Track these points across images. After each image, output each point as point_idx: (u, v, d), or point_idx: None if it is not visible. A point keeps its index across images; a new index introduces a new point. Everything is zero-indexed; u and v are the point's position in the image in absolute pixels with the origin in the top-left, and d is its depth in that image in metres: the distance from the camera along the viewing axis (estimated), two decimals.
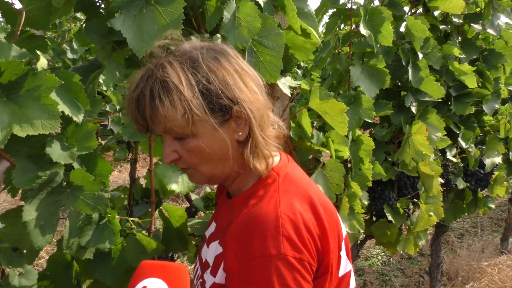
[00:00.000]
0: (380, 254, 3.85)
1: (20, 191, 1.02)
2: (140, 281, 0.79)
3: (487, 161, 2.35)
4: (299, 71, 5.11)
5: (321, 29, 3.39)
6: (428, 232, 2.37)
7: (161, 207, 1.34)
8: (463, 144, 2.21)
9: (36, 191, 0.87)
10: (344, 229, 0.97)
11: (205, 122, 0.80)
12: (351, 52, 1.74)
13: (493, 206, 2.59)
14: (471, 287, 3.08)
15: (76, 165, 0.97)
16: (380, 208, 1.93)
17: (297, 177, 0.91)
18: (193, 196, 1.57)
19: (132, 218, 1.25)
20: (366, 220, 2.00)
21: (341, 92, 1.88)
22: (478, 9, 2.19)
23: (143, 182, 1.41)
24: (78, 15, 3.53)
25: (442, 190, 2.04)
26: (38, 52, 0.95)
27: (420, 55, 1.85)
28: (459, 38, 2.21)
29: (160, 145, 1.32)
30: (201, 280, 0.91)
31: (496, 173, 2.46)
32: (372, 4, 1.99)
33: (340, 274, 0.90)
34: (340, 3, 1.84)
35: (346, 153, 1.58)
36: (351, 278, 0.96)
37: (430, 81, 1.83)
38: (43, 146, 0.92)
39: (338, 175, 1.51)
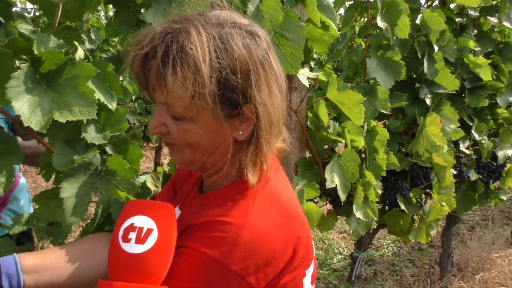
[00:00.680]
0: (391, 245, 3.89)
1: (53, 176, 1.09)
2: (127, 218, 0.78)
3: (500, 153, 2.37)
4: (312, 63, 5.12)
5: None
6: (439, 223, 2.40)
7: None
8: (476, 136, 2.24)
9: (75, 171, 0.92)
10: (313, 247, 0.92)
11: (210, 111, 0.72)
12: (367, 44, 1.77)
13: (504, 198, 2.61)
14: (481, 278, 3.11)
15: (109, 150, 1.02)
16: (393, 197, 1.96)
17: (278, 188, 0.85)
18: None
19: None
20: (379, 209, 2.04)
21: (357, 83, 1.91)
22: (494, 2, 2.19)
23: (166, 168, 1.47)
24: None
25: (454, 181, 2.07)
26: (75, 42, 1.01)
27: (436, 48, 1.87)
28: (475, 30, 2.22)
29: None
30: None
31: (508, 165, 2.48)
32: None
33: None
34: None
35: (361, 143, 1.62)
36: None
37: (445, 73, 1.85)
38: (78, 131, 0.98)
39: (353, 164, 1.56)
